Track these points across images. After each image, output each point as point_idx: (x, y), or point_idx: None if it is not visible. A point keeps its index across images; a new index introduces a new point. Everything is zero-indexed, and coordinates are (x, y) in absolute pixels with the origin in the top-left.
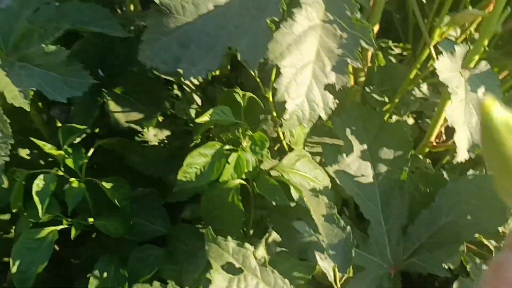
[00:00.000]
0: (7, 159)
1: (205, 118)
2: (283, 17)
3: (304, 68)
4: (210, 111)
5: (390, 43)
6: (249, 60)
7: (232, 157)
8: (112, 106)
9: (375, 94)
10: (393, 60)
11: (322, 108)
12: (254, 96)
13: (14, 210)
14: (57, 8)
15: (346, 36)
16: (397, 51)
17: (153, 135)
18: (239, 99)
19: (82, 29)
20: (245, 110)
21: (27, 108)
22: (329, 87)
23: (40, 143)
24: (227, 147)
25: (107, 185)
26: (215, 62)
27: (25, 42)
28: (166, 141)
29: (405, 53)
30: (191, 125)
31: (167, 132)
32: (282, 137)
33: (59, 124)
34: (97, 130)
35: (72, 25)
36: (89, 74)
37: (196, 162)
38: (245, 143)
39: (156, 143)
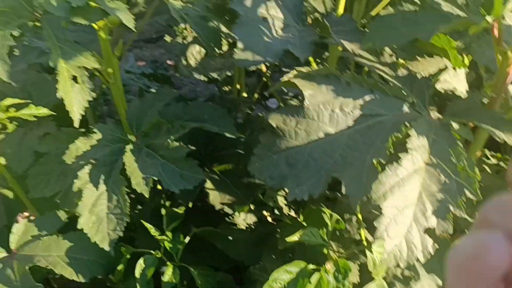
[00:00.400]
0: (121, 234)
1: (294, 238)
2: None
3: (405, 210)
4: (300, 232)
5: (486, 151)
6: (351, 195)
7: (315, 277)
8: (210, 185)
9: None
10: (489, 170)
11: (420, 250)
12: (341, 219)
13: (114, 279)
14: (184, 106)
15: (450, 182)
16: (493, 161)
17: (242, 219)
18: (326, 219)
19: (201, 127)
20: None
21: (147, 195)
22: (429, 231)
23: (148, 225)
24: (311, 266)
25: (197, 273)
26: (318, 186)
27: (154, 133)
28: (253, 226)
29: (502, 164)
30: (277, 213)
31: (254, 218)
32: (364, 240)
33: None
34: (190, 204)
35: (194, 121)
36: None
37: (281, 277)
38: (329, 266)
39: (244, 228)
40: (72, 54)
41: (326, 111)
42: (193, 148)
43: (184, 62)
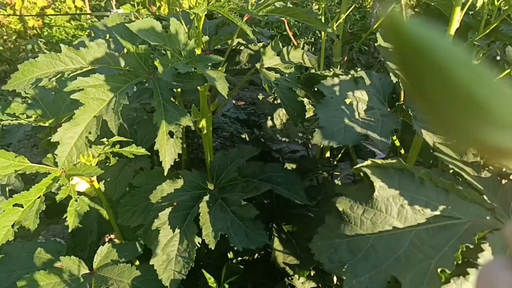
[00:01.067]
0: (184, 276)
1: None
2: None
3: None
4: None
5: None
6: None
7: None
8: (276, 242)
9: None
10: None
11: None
12: None
13: None
14: (261, 166)
15: None
16: None
17: (301, 283)
18: None
19: (273, 189)
20: None
21: (213, 247)
22: None
23: (207, 275)
24: None
25: None
26: (377, 282)
27: (230, 188)
28: None
29: None
30: (338, 283)
31: (313, 284)
32: None
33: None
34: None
35: (268, 182)
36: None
37: None
38: None
39: None
40: (173, 113)
41: (396, 205)
42: (263, 207)
43: (270, 122)
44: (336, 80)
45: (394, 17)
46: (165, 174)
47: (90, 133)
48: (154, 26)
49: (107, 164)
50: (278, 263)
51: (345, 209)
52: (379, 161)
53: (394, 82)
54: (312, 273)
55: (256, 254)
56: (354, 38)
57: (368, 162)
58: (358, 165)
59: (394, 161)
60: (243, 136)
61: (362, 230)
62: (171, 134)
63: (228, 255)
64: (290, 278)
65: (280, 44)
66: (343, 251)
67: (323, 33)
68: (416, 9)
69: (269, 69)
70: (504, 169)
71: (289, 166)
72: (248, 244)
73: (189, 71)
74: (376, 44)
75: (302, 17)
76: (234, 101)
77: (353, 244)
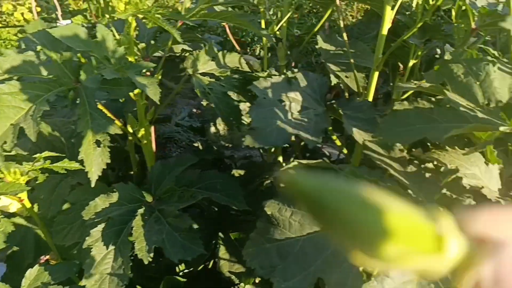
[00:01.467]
0: None
1: None
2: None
3: None
4: None
5: None
6: None
7: None
8: (223, 251)
9: None
10: None
11: None
12: None
13: None
14: (199, 174)
15: None
16: None
17: None
18: None
19: (211, 196)
20: None
21: (146, 261)
22: None
23: None
24: None
25: None
26: (305, 285)
27: (167, 198)
28: None
29: None
30: None
31: None
32: None
33: None
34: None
35: (206, 191)
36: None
37: None
38: None
39: None
40: (100, 121)
41: None
42: (209, 216)
43: (213, 128)
44: (269, 81)
45: (290, 179)
46: (92, 185)
47: (5, 142)
48: (78, 33)
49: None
50: (223, 272)
51: (273, 213)
52: (305, 162)
53: (334, 83)
54: (257, 280)
55: (203, 265)
56: (298, 41)
57: (295, 163)
58: (284, 167)
59: (319, 160)
60: (196, 144)
61: (291, 233)
62: (98, 143)
63: (178, 268)
64: (236, 287)
65: (216, 49)
66: (273, 256)
67: (263, 37)
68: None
69: (204, 74)
70: (428, 164)
71: (237, 172)
72: (184, 255)
73: (117, 78)
74: (317, 47)
75: (235, 20)
76: (194, 110)
77: (283, 247)
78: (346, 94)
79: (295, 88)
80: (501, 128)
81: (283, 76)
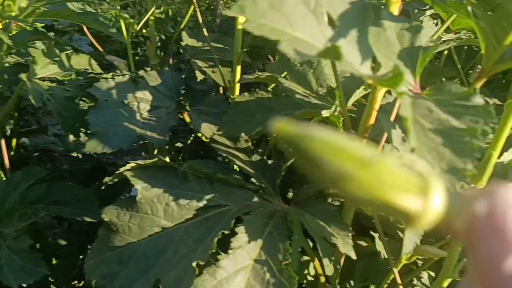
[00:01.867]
0: None
1: None
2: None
3: None
4: None
5: None
6: None
7: None
8: None
9: None
10: None
11: None
12: None
13: None
14: (47, 187)
15: (274, 282)
16: None
17: None
18: None
19: (59, 211)
20: None
21: None
22: None
23: None
24: None
25: None
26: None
27: (7, 219)
28: None
29: None
30: None
31: None
32: None
33: None
34: None
35: (55, 205)
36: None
37: None
38: None
39: None
40: None
41: (161, 205)
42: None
43: (72, 136)
44: (113, 82)
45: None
46: None
47: None
48: None
49: None
50: None
51: (111, 219)
52: (142, 162)
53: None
54: None
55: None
56: (170, 40)
57: (132, 164)
58: (119, 170)
59: (156, 159)
60: (74, 154)
61: (131, 237)
62: None
63: None
64: None
65: (57, 51)
66: (114, 264)
67: (125, 35)
68: None
69: (43, 79)
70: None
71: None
72: (25, 279)
73: None
74: (182, 44)
75: (76, 19)
76: None
77: (124, 254)
78: (221, 89)
79: (142, 87)
80: (323, 112)
81: (127, 76)
